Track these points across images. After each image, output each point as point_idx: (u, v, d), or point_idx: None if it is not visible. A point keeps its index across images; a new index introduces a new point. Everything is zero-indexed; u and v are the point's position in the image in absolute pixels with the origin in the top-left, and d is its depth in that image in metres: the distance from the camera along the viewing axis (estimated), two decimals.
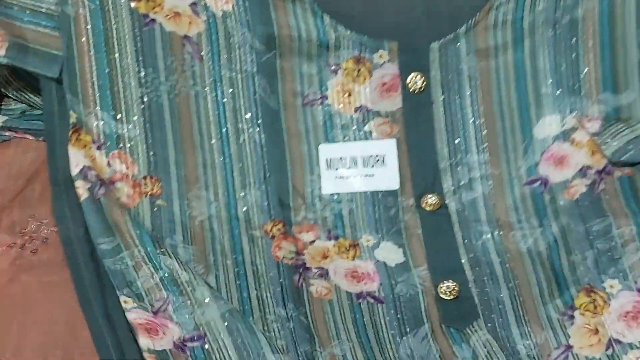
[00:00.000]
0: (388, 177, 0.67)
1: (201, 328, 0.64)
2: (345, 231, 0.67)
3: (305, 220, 0.67)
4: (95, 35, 0.65)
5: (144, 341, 0.64)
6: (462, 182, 0.66)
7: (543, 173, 0.66)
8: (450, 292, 0.65)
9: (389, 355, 0.65)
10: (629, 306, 0.62)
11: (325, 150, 0.68)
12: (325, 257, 0.67)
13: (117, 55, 0.65)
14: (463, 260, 0.66)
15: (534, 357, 0.64)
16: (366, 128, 0.68)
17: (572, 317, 0.64)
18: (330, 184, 0.67)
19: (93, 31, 0.65)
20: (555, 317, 0.64)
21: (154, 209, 0.66)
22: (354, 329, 0.66)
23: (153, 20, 0.66)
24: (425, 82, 0.66)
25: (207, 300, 0.64)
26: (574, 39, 0.65)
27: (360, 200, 0.67)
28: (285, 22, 0.66)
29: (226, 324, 0.64)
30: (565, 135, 0.66)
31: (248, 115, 0.67)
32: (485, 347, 0.64)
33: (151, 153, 0.66)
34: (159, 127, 0.66)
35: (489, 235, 0.66)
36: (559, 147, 0.66)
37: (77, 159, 0.65)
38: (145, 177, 0.66)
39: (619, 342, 0.62)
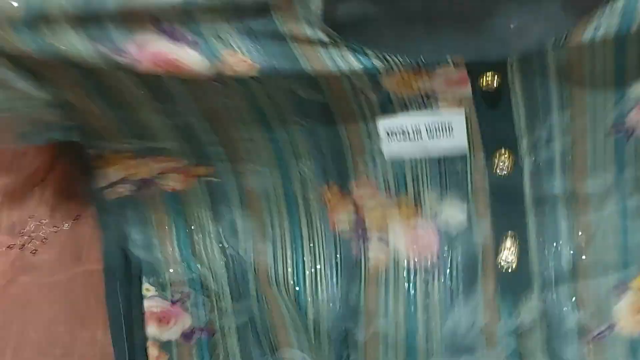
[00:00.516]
0: (456, 145, 0.61)
1: (214, 325, 0.64)
2: (407, 190, 0.63)
3: (363, 176, 0.63)
4: None
5: (152, 330, 0.64)
6: (540, 138, 0.60)
7: (630, 123, 0.60)
8: (508, 263, 0.62)
9: (433, 335, 0.63)
10: None
11: (385, 124, 0.61)
12: (384, 218, 0.64)
13: None
14: (528, 222, 0.62)
15: (578, 331, 0.62)
16: (431, 102, 0.59)
17: (624, 292, 0.62)
18: (392, 150, 0.62)
19: None
20: (606, 291, 0.62)
21: (210, 185, 0.64)
22: (404, 308, 0.64)
23: None
24: (500, 81, 0.57)
25: (228, 310, 0.64)
26: None
27: (425, 162, 0.62)
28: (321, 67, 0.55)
29: (238, 334, 0.64)
30: None
31: (291, 110, 0.60)
32: (530, 324, 0.62)
33: (194, 141, 0.62)
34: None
35: (559, 200, 0.62)
36: None
37: (111, 177, 0.63)
38: (195, 164, 0.63)
39: None
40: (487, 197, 0.62)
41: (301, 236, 0.65)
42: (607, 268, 0.62)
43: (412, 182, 0.62)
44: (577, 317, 0.62)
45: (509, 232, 0.62)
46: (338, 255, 0.64)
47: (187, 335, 0.65)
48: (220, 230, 0.65)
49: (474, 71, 0.56)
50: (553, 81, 0.57)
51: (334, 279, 0.64)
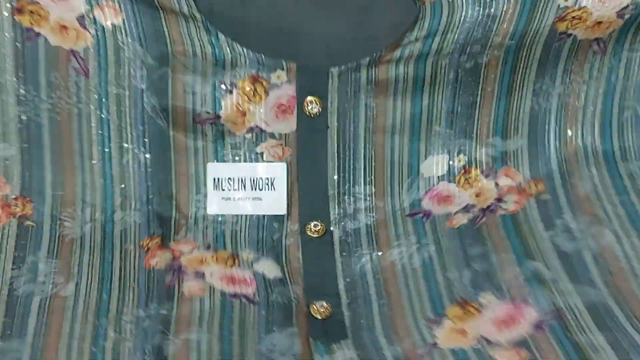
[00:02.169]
0: (276, 202, 0.66)
1: None
2: (225, 246, 0.66)
3: (184, 238, 0.66)
4: None
5: None
6: (347, 212, 0.67)
7: (426, 207, 0.67)
8: (322, 312, 0.64)
9: (248, 347, 0.61)
10: (502, 314, 0.62)
11: (213, 170, 0.66)
12: (202, 262, 0.65)
13: None
14: (340, 286, 0.65)
15: (400, 358, 0.60)
16: (258, 149, 0.66)
17: (440, 323, 0.62)
18: (215, 205, 0.66)
19: None
20: (422, 324, 0.62)
21: (21, 230, 0.63)
22: (219, 320, 0.62)
23: (38, 34, 0.62)
24: (322, 107, 0.65)
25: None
26: (474, 83, 0.66)
27: (245, 222, 0.66)
28: (179, 39, 0.63)
29: None
30: (450, 176, 0.67)
31: (134, 134, 0.64)
32: (347, 356, 0.62)
33: (27, 174, 0.64)
34: (37, 147, 0.64)
35: (367, 258, 0.66)
36: (444, 187, 0.67)
37: None
38: (16, 198, 0.63)
39: (486, 339, 0.61)
40: (300, 266, 0.65)
41: (111, 271, 0.63)
42: (419, 308, 0.64)
43: (230, 243, 0.66)
44: (396, 349, 0.61)
45: (321, 298, 0.64)
46: (150, 284, 0.63)
47: None
48: (16, 274, 0.62)
49: (301, 94, 0.65)
50: (360, 141, 0.66)
51: (143, 305, 0.61)
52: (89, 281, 0.62)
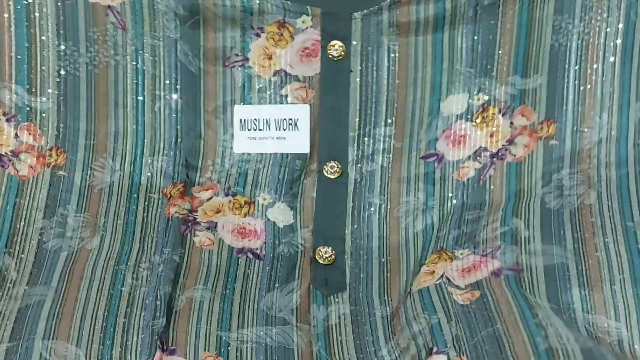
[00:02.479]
0: (299, 142, 0.69)
1: None
2: (245, 189, 0.69)
3: (208, 181, 0.69)
4: (17, 11, 0.64)
5: None
6: (365, 154, 0.69)
7: (440, 149, 0.70)
8: (327, 257, 0.68)
9: (248, 306, 0.65)
10: (469, 264, 0.64)
11: (240, 111, 0.69)
12: (217, 211, 0.69)
13: (37, 29, 0.64)
14: (347, 230, 0.69)
15: (387, 317, 0.65)
16: (282, 92, 0.69)
17: (419, 272, 0.66)
18: (242, 144, 0.69)
19: (15, 6, 0.64)
20: (409, 282, 0.66)
21: (54, 179, 0.66)
22: (223, 279, 0.67)
23: None
24: (345, 50, 0.68)
25: (18, 295, 0.62)
26: (493, 20, 0.68)
27: (269, 160, 0.69)
28: None
29: (16, 316, 0.61)
30: (468, 115, 0.69)
31: (167, 82, 0.67)
32: (338, 319, 0.65)
33: (61, 125, 0.66)
34: (73, 99, 0.66)
35: (376, 208, 0.69)
36: (460, 126, 0.69)
37: None
38: (51, 149, 0.66)
39: (448, 279, 0.63)
40: (312, 207, 0.69)
41: (135, 222, 0.67)
42: (411, 269, 0.67)
43: (251, 183, 0.69)
44: (386, 310, 0.66)
45: (327, 243, 0.68)
46: (167, 232, 0.66)
47: None
48: (47, 225, 0.65)
49: (325, 38, 0.68)
50: (383, 83, 0.69)
51: (159, 251, 0.65)
52: (113, 234, 0.65)
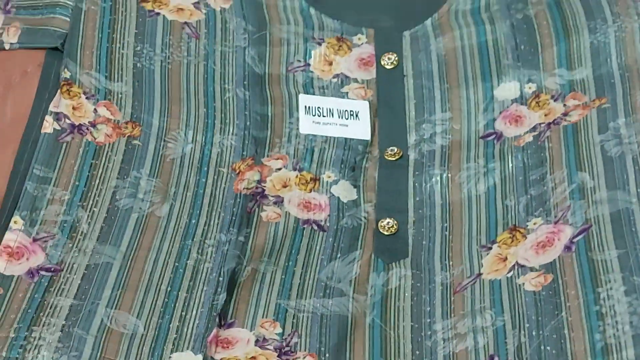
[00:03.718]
0: (361, 129, 0.72)
1: (63, 265, 0.62)
2: (311, 166, 0.70)
3: (278, 153, 0.71)
4: (103, 23, 0.74)
5: None
6: (424, 137, 0.72)
7: (499, 128, 0.72)
8: (389, 228, 0.67)
9: (309, 276, 0.65)
10: (543, 237, 0.64)
11: (305, 100, 0.74)
12: (285, 186, 0.69)
13: (119, 34, 0.73)
14: (410, 203, 0.69)
15: (447, 286, 0.64)
16: (343, 90, 0.74)
17: (490, 248, 0.65)
18: (307, 126, 0.72)
19: (101, 19, 0.74)
20: (475, 250, 0.66)
21: (129, 147, 0.69)
22: (287, 251, 0.66)
23: (157, 13, 0.75)
24: (398, 60, 0.75)
25: (87, 250, 0.63)
26: (531, 30, 0.75)
27: (333, 142, 0.72)
28: (276, 16, 0.77)
29: (84, 272, 0.62)
30: (523, 99, 0.72)
31: (235, 79, 0.73)
32: (399, 281, 0.65)
33: (136, 104, 0.71)
34: (148, 85, 0.72)
35: (437, 178, 0.70)
36: (516, 108, 0.72)
37: (59, 103, 0.69)
38: (127, 122, 0.70)
39: (521, 266, 0.63)
40: (375, 184, 0.70)
41: (203, 194, 0.68)
42: (476, 233, 0.67)
43: (317, 161, 0.71)
44: (446, 276, 0.65)
45: (390, 215, 0.68)
46: (234, 209, 0.67)
47: (31, 273, 0.61)
48: (120, 185, 0.67)
49: (379, 52, 0.76)
50: (436, 79, 0.75)
51: (225, 229, 0.66)
52: (182, 204, 0.67)
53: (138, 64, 0.73)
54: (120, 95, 0.71)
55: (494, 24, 0.76)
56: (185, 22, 0.76)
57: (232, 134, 0.71)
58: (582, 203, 0.64)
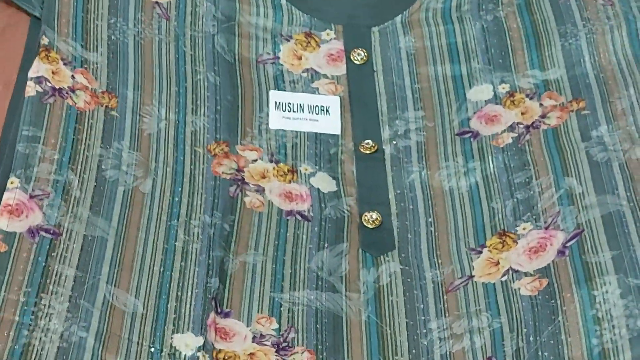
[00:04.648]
0: (331, 124, 0.73)
1: (61, 229, 0.62)
2: (286, 159, 0.71)
3: (250, 144, 0.71)
4: None
5: (1, 222, 0.61)
6: (398, 132, 0.73)
7: (474, 127, 0.73)
8: (373, 221, 0.68)
9: (300, 266, 0.66)
10: (534, 242, 0.65)
11: (275, 95, 0.74)
12: (263, 177, 0.70)
13: (92, 4, 0.74)
14: (390, 196, 0.70)
15: (439, 284, 0.65)
16: (313, 85, 0.75)
17: (480, 252, 0.66)
18: (277, 121, 0.73)
19: None
20: (464, 252, 0.66)
21: (108, 117, 0.69)
22: (274, 242, 0.66)
23: None
24: (367, 55, 0.76)
25: (82, 217, 0.64)
26: (501, 31, 0.77)
27: (304, 136, 0.72)
28: (247, 3, 0.78)
29: (82, 243, 0.62)
30: (497, 99, 0.74)
31: (205, 63, 0.74)
32: (389, 277, 0.65)
33: (111, 74, 0.71)
34: (122, 58, 0.72)
35: (417, 174, 0.71)
36: (491, 108, 0.73)
37: (38, 68, 0.69)
38: (103, 92, 0.70)
39: (515, 271, 0.64)
40: (354, 178, 0.71)
41: (183, 173, 0.68)
42: (463, 235, 0.68)
43: (291, 155, 0.72)
44: (436, 274, 0.66)
45: (373, 208, 0.69)
46: (215, 192, 0.68)
47: (32, 232, 0.61)
48: (105, 155, 0.67)
49: (348, 48, 0.77)
50: (407, 77, 0.76)
51: (209, 211, 0.66)
52: (164, 180, 0.67)
53: (112, 36, 0.73)
54: (95, 65, 0.71)
55: (463, 25, 0.78)
56: (156, 2, 0.76)
57: (204, 115, 0.71)
58: (572, 209, 0.65)
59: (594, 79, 0.72)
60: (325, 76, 0.76)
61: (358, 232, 0.68)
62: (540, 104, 0.72)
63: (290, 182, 0.70)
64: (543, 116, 0.72)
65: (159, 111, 0.70)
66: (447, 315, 0.63)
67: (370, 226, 0.68)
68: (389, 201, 0.69)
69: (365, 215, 0.68)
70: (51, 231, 0.62)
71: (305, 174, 0.71)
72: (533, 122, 0.72)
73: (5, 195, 0.63)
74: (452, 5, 0.79)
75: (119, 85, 0.71)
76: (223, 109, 0.72)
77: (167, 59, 0.73)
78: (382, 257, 0.66)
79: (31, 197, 0.63)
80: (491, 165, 0.70)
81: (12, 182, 0.64)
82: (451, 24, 0.78)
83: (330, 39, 0.78)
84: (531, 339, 0.60)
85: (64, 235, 0.62)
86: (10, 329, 0.57)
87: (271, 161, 0.71)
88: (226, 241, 0.65)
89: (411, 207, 0.69)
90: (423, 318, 0.63)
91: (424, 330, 0.63)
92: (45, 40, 0.71)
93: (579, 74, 0.73)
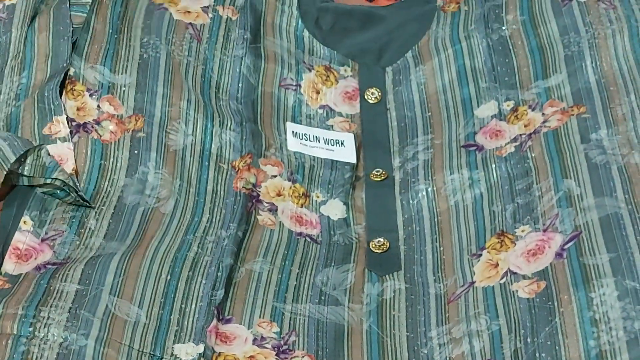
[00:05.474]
0: (346, 154, 0.76)
1: (69, 260, 0.64)
2: (303, 180, 0.73)
3: (273, 156, 0.73)
4: (113, 16, 0.77)
5: (7, 266, 0.63)
6: (408, 157, 0.75)
7: (479, 141, 0.75)
8: (380, 246, 0.69)
9: (304, 279, 0.67)
10: (533, 245, 0.65)
11: (292, 126, 0.77)
12: (279, 194, 0.72)
13: (126, 25, 0.77)
14: (398, 221, 0.71)
15: (442, 296, 0.65)
16: (328, 122, 0.78)
17: (480, 255, 0.67)
18: (295, 146, 0.75)
19: (112, 12, 0.77)
20: (466, 259, 0.67)
21: (134, 141, 0.71)
22: (283, 251, 0.67)
23: (165, 8, 0.79)
24: (381, 95, 0.79)
25: (94, 247, 0.65)
26: (506, 49, 0.79)
27: (321, 162, 0.75)
28: (270, 29, 0.81)
29: (87, 261, 0.63)
30: (502, 115, 0.75)
31: (230, 91, 0.77)
32: (393, 293, 0.66)
33: (138, 94, 0.73)
34: (152, 73, 0.75)
35: (424, 193, 0.72)
36: (496, 123, 0.75)
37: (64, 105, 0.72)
38: (130, 116, 0.72)
39: (514, 273, 0.64)
40: (363, 207, 0.73)
41: (205, 192, 0.71)
42: (466, 243, 0.69)
43: (308, 178, 0.74)
44: (440, 287, 0.67)
45: (381, 235, 0.71)
46: (234, 207, 0.70)
47: (38, 268, 0.63)
48: (129, 183, 0.70)
49: (363, 86, 0.80)
50: (418, 107, 0.78)
51: (226, 226, 0.68)
52: (186, 202, 0.70)
53: (144, 55, 0.76)
54: (123, 88, 0.74)
55: (471, 43, 0.80)
56: (190, 23, 0.79)
57: (230, 128, 0.74)
58: (570, 211, 0.65)
59: (595, 85, 0.73)
60: (340, 114, 0.79)
61: (365, 256, 0.69)
62: (543, 113, 0.74)
63: (302, 206, 0.72)
64: (544, 122, 0.73)
65: (186, 125, 0.73)
66: (447, 322, 0.64)
67: (377, 251, 0.69)
68: (397, 227, 0.71)
69: (373, 242, 0.70)
70: (59, 264, 0.63)
71: (317, 201, 0.72)
72: (535, 129, 0.73)
73: (17, 236, 0.64)
74: (460, 27, 0.82)
75: (146, 104, 0.73)
76: (248, 123, 0.75)
77: (194, 79, 0.76)
78: (387, 276, 0.68)
79: (43, 240, 0.64)
80: (495, 174, 0.71)
81: (25, 223, 0.65)
82: (459, 44, 0.81)
83: (348, 76, 0.81)
84: (529, 340, 0.60)
85: (69, 263, 0.63)
86: (9, 339, 0.58)
87: (289, 180, 0.73)
88: (238, 247, 0.67)
89: (418, 229, 0.70)
90: (424, 329, 0.64)
91: (424, 340, 0.63)
92: (71, 71, 0.73)
93: (580, 80, 0.74)
